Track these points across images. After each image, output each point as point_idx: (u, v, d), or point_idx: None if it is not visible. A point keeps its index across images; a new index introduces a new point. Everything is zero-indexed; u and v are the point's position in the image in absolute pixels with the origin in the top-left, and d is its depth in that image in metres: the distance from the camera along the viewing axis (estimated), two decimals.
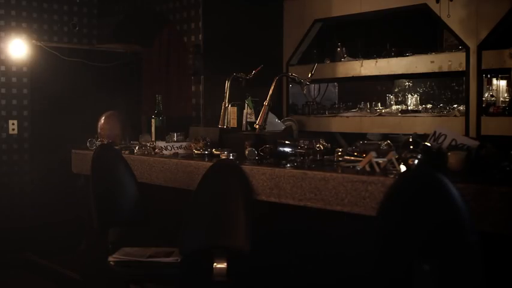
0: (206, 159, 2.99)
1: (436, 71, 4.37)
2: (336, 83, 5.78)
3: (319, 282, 2.66)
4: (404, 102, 4.97)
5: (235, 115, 3.68)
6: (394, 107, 4.87)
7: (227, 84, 3.52)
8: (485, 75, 4.16)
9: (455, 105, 4.50)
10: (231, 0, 5.12)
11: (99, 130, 4.14)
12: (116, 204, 3.04)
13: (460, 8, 4.15)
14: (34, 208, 5.69)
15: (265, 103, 3.25)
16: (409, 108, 4.80)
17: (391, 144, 2.45)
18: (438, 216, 1.74)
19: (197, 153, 3.13)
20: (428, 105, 4.73)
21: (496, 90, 4.20)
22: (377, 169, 2.27)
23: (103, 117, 4.17)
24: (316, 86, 5.58)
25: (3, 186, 5.73)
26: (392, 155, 2.25)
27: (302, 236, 2.68)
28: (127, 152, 3.42)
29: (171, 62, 5.80)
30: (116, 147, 3.44)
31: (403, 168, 2.19)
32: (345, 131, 4.95)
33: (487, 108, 4.08)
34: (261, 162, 2.71)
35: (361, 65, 4.84)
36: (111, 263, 2.85)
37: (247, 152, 2.81)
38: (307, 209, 2.39)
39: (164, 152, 3.25)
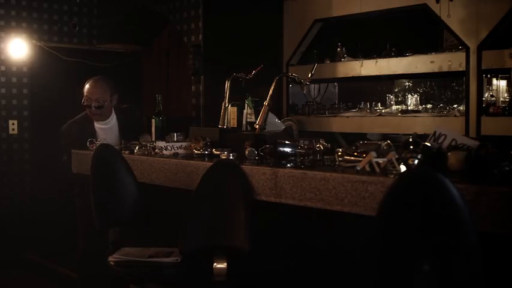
0: (206, 159, 2.99)
1: (436, 71, 4.38)
2: (336, 83, 5.78)
3: (319, 282, 2.66)
4: (404, 102, 4.97)
5: (235, 115, 3.68)
6: (394, 107, 4.87)
7: (227, 84, 3.51)
8: (485, 75, 4.16)
9: (455, 105, 4.50)
10: (231, 0, 5.12)
11: (86, 94, 4.02)
12: (116, 204, 3.04)
13: (460, 8, 4.15)
14: (34, 208, 5.69)
15: (265, 103, 3.25)
16: (409, 108, 4.79)
17: (391, 144, 2.45)
18: (438, 216, 1.74)
19: (197, 153, 3.13)
20: (428, 105, 4.73)
21: (496, 90, 4.20)
22: (377, 169, 2.27)
23: (90, 81, 4.07)
24: (316, 86, 5.58)
25: (3, 186, 5.73)
26: (392, 155, 2.24)
27: (302, 236, 2.69)
28: (127, 152, 3.42)
29: (171, 62, 5.80)
30: (116, 147, 3.44)
31: (403, 168, 2.19)
32: (345, 131, 4.95)
33: (487, 108, 4.08)
34: (261, 162, 2.71)
35: (361, 65, 4.84)
36: (111, 263, 2.85)
37: (247, 152, 2.81)
38: (307, 209, 2.39)
39: (164, 152, 3.25)
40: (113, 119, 4.12)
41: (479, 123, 4.05)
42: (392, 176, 2.16)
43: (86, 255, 3.97)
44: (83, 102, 4.04)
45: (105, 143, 3.48)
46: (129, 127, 4.06)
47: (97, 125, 4.09)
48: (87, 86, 4.05)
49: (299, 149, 2.65)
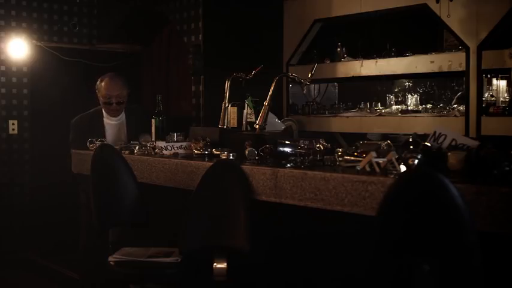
0: (206, 159, 2.99)
1: (436, 71, 4.37)
2: (336, 83, 5.77)
3: (319, 282, 2.66)
4: (404, 102, 4.97)
5: (235, 115, 3.68)
6: (394, 107, 4.87)
7: (227, 84, 3.52)
8: (485, 75, 4.16)
9: (455, 105, 4.50)
10: (231, 0, 5.13)
11: (106, 92, 4.05)
12: (116, 204, 3.04)
13: (460, 8, 4.15)
14: (34, 208, 5.69)
15: (265, 103, 3.25)
16: (409, 108, 4.79)
17: (391, 144, 2.45)
18: (438, 216, 1.74)
19: (197, 153, 3.13)
20: (428, 105, 4.73)
21: (496, 90, 4.20)
22: (377, 169, 2.27)
23: (106, 78, 4.10)
24: (316, 86, 5.58)
25: (3, 186, 5.73)
26: (392, 155, 2.24)
27: (302, 235, 2.69)
28: (127, 152, 3.42)
29: (171, 62, 5.80)
30: (116, 147, 3.44)
31: (403, 168, 2.19)
32: (345, 131, 4.95)
33: (487, 108, 4.08)
34: (261, 162, 2.71)
35: (361, 65, 4.84)
36: (111, 263, 2.86)
37: (247, 152, 2.81)
38: (307, 209, 2.39)
39: (164, 152, 3.25)
40: (122, 116, 4.19)
41: (479, 123, 4.05)
42: (392, 176, 2.16)
43: (87, 253, 3.98)
44: (101, 100, 4.08)
45: (105, 142, 3.49)
46: (137, 126, 4.09)
47: (106, 120, 4.16)
48: (103, 83, 4.09)
49: (299, 149, 2.65)
